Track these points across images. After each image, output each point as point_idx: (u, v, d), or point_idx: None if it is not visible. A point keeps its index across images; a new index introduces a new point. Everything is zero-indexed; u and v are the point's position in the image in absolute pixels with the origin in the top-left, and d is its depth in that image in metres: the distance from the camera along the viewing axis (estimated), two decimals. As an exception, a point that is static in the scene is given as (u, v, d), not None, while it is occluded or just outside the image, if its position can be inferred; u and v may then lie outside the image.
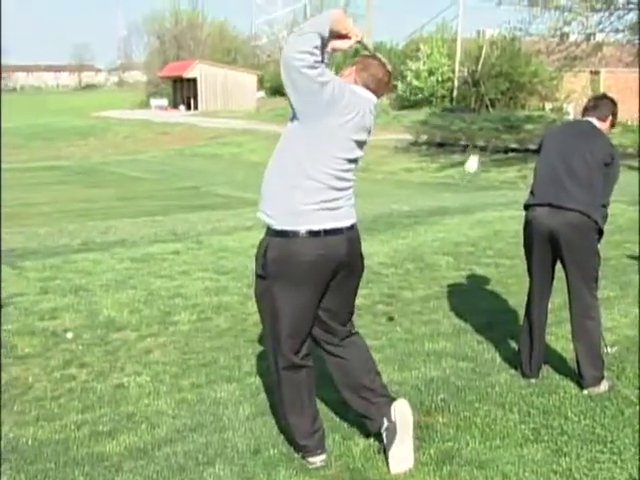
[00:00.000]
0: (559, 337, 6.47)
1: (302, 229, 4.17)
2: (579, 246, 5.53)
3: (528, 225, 5.71)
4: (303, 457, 4.48)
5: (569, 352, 5.97)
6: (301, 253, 4.18)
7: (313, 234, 4.18)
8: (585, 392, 5.43)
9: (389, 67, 4.55)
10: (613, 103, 5.91)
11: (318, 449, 4.48)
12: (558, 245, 5.52)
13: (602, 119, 5.78)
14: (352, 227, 4.41)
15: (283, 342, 4.35)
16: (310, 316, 4.37)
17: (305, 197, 4.18)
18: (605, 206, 5.68)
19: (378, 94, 4.45)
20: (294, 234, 4.17)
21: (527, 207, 5.75)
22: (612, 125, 5.88)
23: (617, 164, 5.68)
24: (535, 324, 5.72)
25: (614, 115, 5.86)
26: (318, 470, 4.36)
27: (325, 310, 4.43)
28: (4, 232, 12.59)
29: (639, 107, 30.23)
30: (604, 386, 5.45)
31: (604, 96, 6.10)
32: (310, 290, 4.28)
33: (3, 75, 78.97)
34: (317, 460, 4.45)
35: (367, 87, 4.40)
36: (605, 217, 5.69)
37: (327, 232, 4.21)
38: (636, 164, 29.03)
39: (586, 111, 5.87)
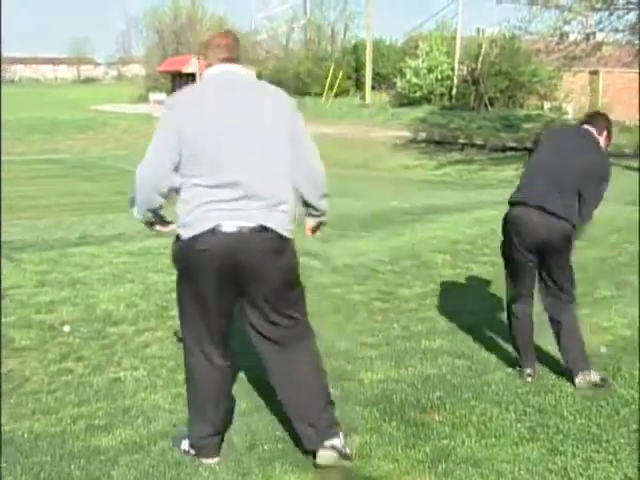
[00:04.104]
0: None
1: None
2: (566, 251, 5.62)
3: (514, 222, 5.66)
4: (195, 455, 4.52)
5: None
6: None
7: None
8: (577, 380, 5.47)
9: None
10: (607, 120, 5.92)
11: (209, 455, 4.49)
12: (546, 249, 5.57)
13: (599, 133, 5.79)
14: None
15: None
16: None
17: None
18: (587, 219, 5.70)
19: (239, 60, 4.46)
20: None
21: (514, 203, 5.73)
22: (608, 142, 5.85)
23: (608, 180, 5.69)
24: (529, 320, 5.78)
25: (609, 132, 5.84)
26: (314, 466, 4.35)
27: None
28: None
29: (639, 107, 30.19)
30: (594, 376, 5.48)
31: (597, 113, 6.14)
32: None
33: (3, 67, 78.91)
34: (208, 462, 4.47)
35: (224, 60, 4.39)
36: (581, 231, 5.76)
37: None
38: (633, 164, 29.08)
39: (582, 124, 5.89)
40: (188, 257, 4.22)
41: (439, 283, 8.61)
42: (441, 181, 28.93)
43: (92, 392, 5.67)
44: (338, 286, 8.57)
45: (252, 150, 4.21)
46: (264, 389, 5.54)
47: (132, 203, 4.40)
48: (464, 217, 12.97)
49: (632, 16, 27.99)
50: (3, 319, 7.12)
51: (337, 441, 4.37)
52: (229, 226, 4.12)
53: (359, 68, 57.26)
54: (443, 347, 6.50)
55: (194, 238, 4.15)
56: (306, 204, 4.57)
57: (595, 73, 41.53)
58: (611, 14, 27.94)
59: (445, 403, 5.19)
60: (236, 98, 4.30)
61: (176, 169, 4.20)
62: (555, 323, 5.68)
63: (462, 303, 7.84)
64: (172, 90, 66.73)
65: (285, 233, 4.24)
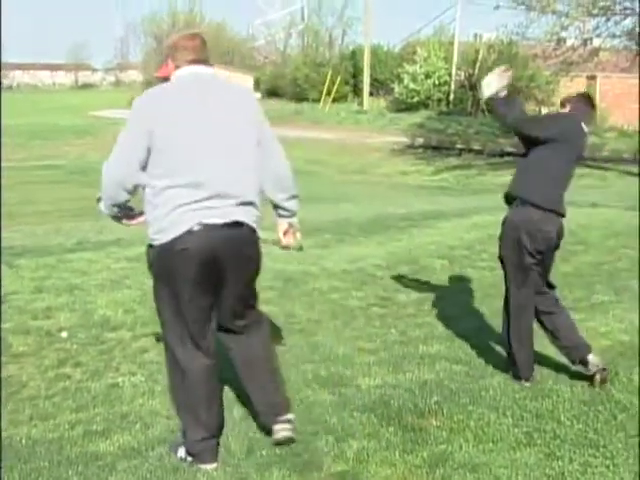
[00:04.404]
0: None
1: None
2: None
3: (531, 228, 5.62)
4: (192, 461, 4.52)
5: (562, 356, 6.00)
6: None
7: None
8: (590, 358, 5.58)
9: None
10: (585, 98, 5.97)
11: (206, 460, 4.50)
12: (550, 249, 5.66)
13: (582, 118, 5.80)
14: None
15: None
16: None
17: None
18: None
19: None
20: None
21: (527, 203, 5.67)
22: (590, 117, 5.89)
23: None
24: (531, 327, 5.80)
25: (589, 107, 5.90)
26: (311, 472, 4.36)
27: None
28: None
29: (639, 112, 30.21)
30: (595, 358, 5.61)
31: (570, 97, 6.02)
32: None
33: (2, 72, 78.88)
34: (207, 467, 4.48)
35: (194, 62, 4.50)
36: None
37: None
38: (632, 169, 29.14)
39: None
40: (169, 259, 4.30)
41: (437, 288, 8.61)
42: (439, 186, 28.94)
43: (90, 398, 5.67)
44: (336, 291, 8.58)
45: (221, 150, 4.35)
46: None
47: (99, 199, 4.58)
48: (462, 222, 12.98)
49: (629, 22, 28.08)
50: (2, 325, 7.11)
51: (292, 416, 4.71)
52: (205, 224, 4.25)
53: (357, 74, 57.28)
54: (441, 352, 6.51)
55: (173, 241, 4.25)
56: (275, 205, 4.74)
57: (593, 78, 41.54)
58: (608, 20, 28.00)
59: (443, 408, 5.20)
60: (205, 99, 4.41)
61: (143, 167, 4.32)
62: (550, 315, 5.73)
63: (460, 308, 7.85)
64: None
65: (255, 226, 4.45)
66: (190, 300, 4.35)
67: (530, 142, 5.65)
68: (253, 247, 4.50)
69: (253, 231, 4.45)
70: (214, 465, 4.48)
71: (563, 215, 5.70)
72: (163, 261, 4.34)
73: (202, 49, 4.54)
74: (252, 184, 4.45)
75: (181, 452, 4.58)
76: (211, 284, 4.37)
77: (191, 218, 4.24)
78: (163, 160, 4.28)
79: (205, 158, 4.31)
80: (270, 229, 4.90)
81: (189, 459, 4.53)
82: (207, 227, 4.25)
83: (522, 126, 5.67)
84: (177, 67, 4.52)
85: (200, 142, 4.31)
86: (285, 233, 4.86)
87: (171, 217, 4.25)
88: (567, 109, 5.83)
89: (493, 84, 5.64)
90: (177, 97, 4.41)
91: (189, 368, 4.45)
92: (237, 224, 4.34)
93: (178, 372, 4.50)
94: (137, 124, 4.35)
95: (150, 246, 4.41)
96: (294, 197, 4.74)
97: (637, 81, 31.91)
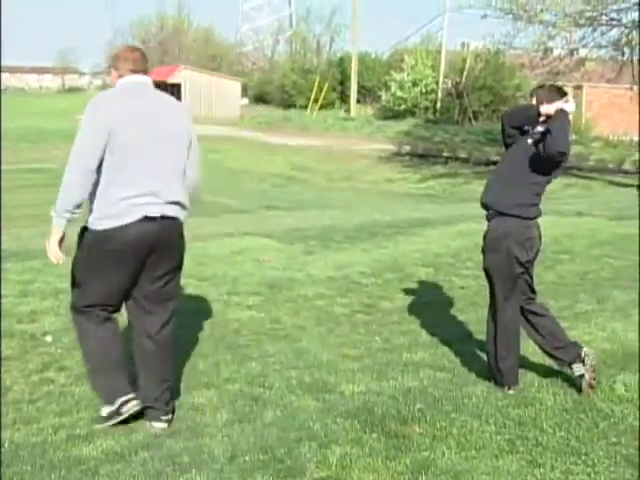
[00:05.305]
0: (537, 350, 6.51)
1: None
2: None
3: (524, 238, 5.68)
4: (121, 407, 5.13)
5: (546, 364, 6.03)
6: None
7: None
8: (585, 351, 5.66)
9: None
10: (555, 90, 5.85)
11: (123, 412, 5.13)
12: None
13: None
14: None
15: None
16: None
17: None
18: None
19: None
20: None
21: (532, 218, 5.74)
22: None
23: None
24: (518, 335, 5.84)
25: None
26: (294, 478, 4.36)
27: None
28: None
29: (639, 122, 30.28)
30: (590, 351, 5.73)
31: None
32: None
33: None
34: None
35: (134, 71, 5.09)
36: None
37: None
38: (617, 179, 29.29)
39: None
40: (109, 242, 4.91)
41: (421, 296, 8.63)
42: (425, 194, 29.00)
43: (73, 402, 5.65)
44: (321, 298, 8.59)
45: (161, 153, 4.97)
46: (245, 400, 5.57)
47: (60, 207, 4.95)
48: (447, 230, 12.99)
49: (615, 32, 28.20)
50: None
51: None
52: (145, 216, 4.89)
53: (344, 81, 57.40)
54: (424, 360, 6.53)
55: (119, 228, 4.87)
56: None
57: (579, 88, 41.71)
58: (594, 30, 28.12)
59: (426, 415, 5.21)
60: (147, 106, 5.04)
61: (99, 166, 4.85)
62: (541, 317, 5.78)
63: (444, 316, 7.87)
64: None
65: (183, 221, 5.18)
66: (123, 277, 5.03)
67: None
68: (182, 238, 5.22)
69: (182, 225, 5.17)
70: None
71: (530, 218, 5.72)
72: (103, 243, 4.94)
73: (142, 61, 5.15)
74: (181, 184, 5.10)
75: (105, 410, 5.19)
76: (141, 266, 5.03)
77: (136, 211, 4.86)
78: (115, 158, 4.83)
79: (150, 159, 4.92)
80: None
81: (112, 417, 5.13)
82: (145, 219, 4.88)
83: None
84: (120, 76, 5.11)
85: (147, 145, 4.91)
86: None
87: (118, 207, 4.85)
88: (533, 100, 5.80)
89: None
90: (126, 102, 4.98)
91: (110, 332, 5.18)
92: (172, 218, 5.04)
93: (99, 336, 5.13)
94: (98, 122, 4.85)
95: (85, 228, 5.03)
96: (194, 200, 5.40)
97: (622, 91, 32.10)
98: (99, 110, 4.90)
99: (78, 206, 4.90)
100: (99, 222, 4.92)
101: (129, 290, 5.12)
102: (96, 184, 4.87)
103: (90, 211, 4.97)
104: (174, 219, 5.06)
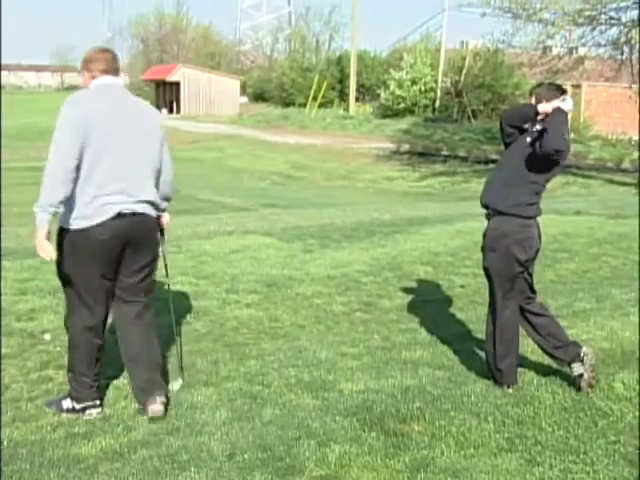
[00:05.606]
0: (536, 348, 6.51)
1: None
2: None
3: (524, 238, 5.68)
4: (82, 410, 5.35)
5: (544, 363, 6.03)
6: None
7: None
8: (584, 351, 5.66)
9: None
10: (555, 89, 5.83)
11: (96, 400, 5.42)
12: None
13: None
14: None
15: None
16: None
17: None
18: None
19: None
20: None
21: (531, 217, 5.74)
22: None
23: None
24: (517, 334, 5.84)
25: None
26: (293, 476, 4.37)
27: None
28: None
29: (639, 121, 30.29)
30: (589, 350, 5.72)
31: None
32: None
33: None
34: (93, 412, 5.37)
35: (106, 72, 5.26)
36: None
37: None
38: (615, 178, 29.30)
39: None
40: (87, 240, 5.06)
41: (420, 294, 8.63)
42: (424, 192, 29.01)
43: (72, 400, 5.65)
44: (320, 296, 8.59)
45: (133, 153, 5.14)
46: (244, 399, 5.57)
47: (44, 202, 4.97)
48: (446, 229, 12.98)
49: (614, 31, 28.23)
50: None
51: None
52: (122, 214, 5.08)
53: (343, 79, 57.37)
54: (423, 358, 6.53)
55: (93, 227, 5.02)
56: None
57: (578, 87, 41.71)
58: (593, 29, 28.15)
59: (425, 414, 5.21)
60: (120, 106, 5.22)
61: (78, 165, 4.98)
62: (540, 317, 5.79)
63: (443, 315, 7.87)
64: (156, 98, 66.81)
65: (154, 218, 5.37)
66: (103, 272, 5.18)
67: None
68: (156, 232, 5.44)
69: (154, 221, 5.37)
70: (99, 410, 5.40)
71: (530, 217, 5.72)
72: (82, 241, 5.08)
73: (112, 61, 5.31)
74: (153, 184, 5.30)
75: (67, 403, 5.39)
76: (118, 262, 5.23)
77: (110, 209, 5.03)
78: (91, 156, 4.98)
79: (124, 159, 5.09)
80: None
81: (69, 412, 5.36)
82: (117, 216, 5.05)
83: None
84: (93, 77, 5.24)
85: (117, 144, 5.07)
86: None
87: (94, 206, 5.01)
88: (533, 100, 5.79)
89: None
90: (101, 102, 5.13)
91: (95, 324, 5.42)
92: (145, 215, 5.23)
93: (83, 328, 5.37)
94: (75, 120, 4.97)
95: (63, 229, 5.13)
96: (169, 199, 5.60)
97: (621, 90, 32.11)
98: (77, 108, 5.06)
99: (61, 202, 4.97)
100: (75, 222, 5.07)
101: (111, 288, 5.33)
102: (75, 181, 4.99)
103: (65, 209, 5.07)
104: (145, 215, 5.25)
